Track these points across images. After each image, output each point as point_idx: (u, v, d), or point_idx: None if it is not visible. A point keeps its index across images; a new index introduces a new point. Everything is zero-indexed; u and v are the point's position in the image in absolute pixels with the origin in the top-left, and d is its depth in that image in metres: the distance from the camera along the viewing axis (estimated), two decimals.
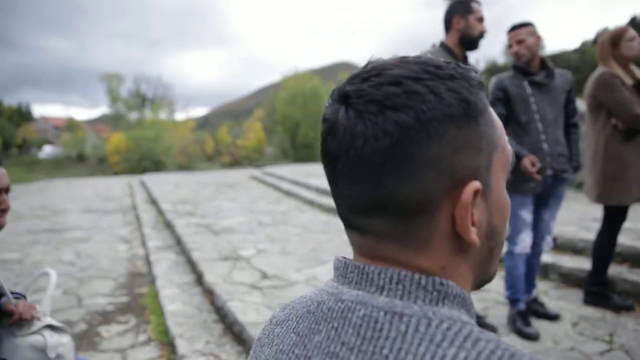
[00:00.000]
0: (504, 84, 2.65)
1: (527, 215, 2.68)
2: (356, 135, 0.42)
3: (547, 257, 3.62)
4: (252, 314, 2.96)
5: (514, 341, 2.61)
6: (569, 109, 2.78)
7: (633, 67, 2.85)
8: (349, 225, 0.48)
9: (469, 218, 0.43)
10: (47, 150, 55.84)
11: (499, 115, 2.54)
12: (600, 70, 2.85)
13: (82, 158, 47.12)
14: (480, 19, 2.44)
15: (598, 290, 3.03)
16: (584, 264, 3.44)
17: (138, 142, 33.47)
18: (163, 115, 44.97)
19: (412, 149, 0.40)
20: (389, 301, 0.42)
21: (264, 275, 3.83)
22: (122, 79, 45.09)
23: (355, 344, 0.41)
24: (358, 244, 0.48)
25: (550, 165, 2.63)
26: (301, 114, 35.24)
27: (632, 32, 2.81)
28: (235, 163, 40.27)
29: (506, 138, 0.49)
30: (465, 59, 2.53)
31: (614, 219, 2.93)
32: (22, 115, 73.58)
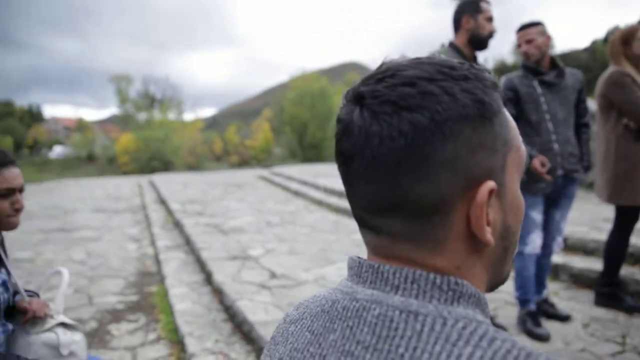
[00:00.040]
0: (514, 84, 2.64)
1: (537, 215, 2.66)
2: (371, 136, 0.42)
3: (557, 258, 3.59)
4: (261, 313, 2.98)
5: (524, 342, 2.59)
6: (580, 109, 2.76)
7: None
8: (364, 225, 0.48)
9: (484, 218, 0.43)
10: (58, 151, 56.45)
11: None
12: (611, 69, 2.82)
13: (91, 158, 47.60)
14: (490, 19, 2.43)
15: (610, 291, 3.00)
16: (595, 264, 3.41)
17: (147, 143, 33.72)
18: (171, 115, 45.27)
19: (427, 149, 0.41)
20: (404, 300, 0.42)
21: (273, 275, 3.84)
22: (131, 80, 45.49)
23: (371, 342, 0.42)
24: (373, 243, 0.48)
25: (561, 165, 2.61)
26: (309, 114, 35.27)
27: None
28: (244, 163, 40.41)
29: (520, 138, 0.49)
30: (474, 59, 2.51)
31: (625, 219, 2.90)
32: (33, 116, 74.48)
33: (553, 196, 2.72)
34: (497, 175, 0.44)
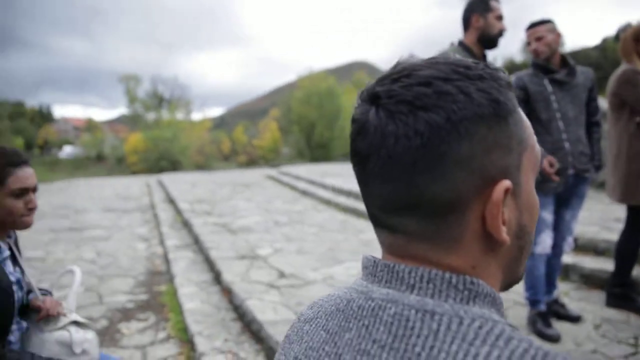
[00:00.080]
0: (524, 82, 2.62)
1: (548, 215, 2.64)
2: (387, 135, 0.42)
3: (567, 258, 3.56)
4: (270, 312, 2.98)
5: None
6: (591, 107, 2.73)
7: None
8: (379, 225, 0.48)
9: (499, 217, 0.43)
10: (67, 151, 56.97)
11: None
12: (623, 67, 2.79)
13: (101, 158, 47.99)
14: (500, 17, 2.41)
15: (621, 292, 2.97)
16: (606, 265, 3.37)
17: (156, 142, 33.92)
18: (180, 115, 45.51)
19: (443, 149, 0.41)
20: (420, 299, 0.43)
21: (281, 274, 3.85)
22: (139, 80, 45.79)
23: (387, 341, 0.42)
24: (388, 242, 0.48)
25: (572, 164, 2.59)
26: (317, 113, 35.28)
27: None
28: (252, 163, 40.52)
29: (535, 138, 0.49)
30: (484, 58, 2.50)
31: (637, 219, 2.87)
32: (44, 117, 75.29)
33: (564, 196, 2.70)
34: (513, 175, 0.45)
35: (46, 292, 1.58)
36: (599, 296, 3.17)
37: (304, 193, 8.85)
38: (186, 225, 6.31)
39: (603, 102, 4.30)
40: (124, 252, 5.34)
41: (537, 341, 0.41)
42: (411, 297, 0.43)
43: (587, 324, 2.79)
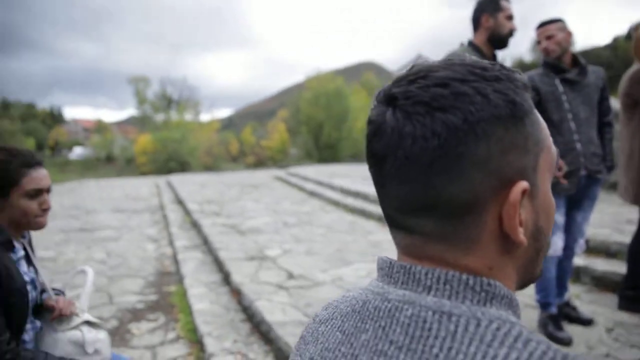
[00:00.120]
0: (534, 82, 2.60)
1: (559, 217, 2.62)
2: (404, 136, 0.42)
3: (579, 260, 3.53)
4: (279, 313, 2.99)
5: None
6: (603, 107, 2.70)
7: None
8: (396, 226, 0.48)
9: (517, 217, 0.43)
10: (77, 152, 57.48)
11: None
12: (635, 66, 2.76)
13: (110, 159, 48.39)
14: (510, 17, 2.39)
15: (634, 294, 2.93)
16: (618, 267, 3.34)
17: (164, 143, 34.13)
18: (188, 116, 45.79)
19: (460, 150, 0.41)
20: (437, 301, 0.43)
21: (290, 275, 3.86)
22: (148, 82, 46.18)
23: (404, 342, 0.42)
24: (404, 244, 0.48)
25: (584, 165, 2.56)
26: (325, 114, 35.27)
27: None
28: (260, 164, 40.61)
29: (551, 139, 0.49)
30: (494, 58, 2.49)
31: None
32: (54, 118, 76.11)
33: (575, 197, 2.67)
34: (529, 176, 0.45)
35: (59, 292, 1.60)
36: (611, 299, 3.14)
37: (312, 194, 8.85)
38: (195, 226, 6.34)
39: (615, 102, 4.26)
40: (133, 252, 5.38)
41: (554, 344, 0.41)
42: (428, 299, 0.43)
43: (599, 327, 2.76)
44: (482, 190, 0.42)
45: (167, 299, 3.86)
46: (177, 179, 13.02)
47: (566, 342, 2.55)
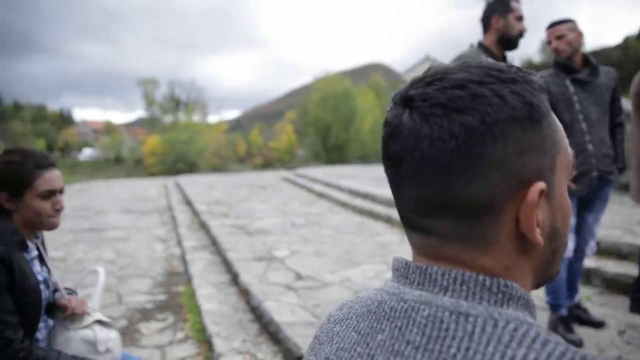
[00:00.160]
0: (545, 83, 2.58)
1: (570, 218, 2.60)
2: (422, 138, 0.43)
3: (589, 262, 3.49)
4: (287, 314, 2.99)
5: None
6: (614, 108, 2.68)
7: None
8: (412, 227, 0.49)
9: (534, 218, 0.43)
10: (87, 153, 57.98)
11: None
12: None
13: (119, 160, 48.76)
14: (520, 18, 2.38)
15: None
16: (630, 269, 3.30)
17: (173, 145, 34.31)
18: (196, 118, 46.05)
19: (477, 151, 0.41)
20: (453, 301, 0.43)
21: (299, 276, 3.86)
22: (157, 84, 46.53)
23: (421, 342, 0.42)
24: (420, 244, 0.49)
25: (596, 166, 2.54)
26: (332, 115, 35.25)
27: None
28: (267, 165, 40.68)
29: (567, 141, 0.49)
30: (504, 59, 2.47)
31: None
32: (64, 120, 76.87)
33: (587, 198, 2.65)
34: (547, 177, 0.45)
35: (71, 292, 1.62)
36: (622, 301, 3.10)
37: (320, 195, 8.86)
38: (203, 226, 6.37)
39: (626, 103, 4.22)
40: (142, 252, 5.42)
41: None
42: (445, 299, 0.43)
43: (611, 329, 2.73)
44: (499, 191, 0.43)
45: (176, 299, 3.88)
46: (185, 180, 13.09)
47: (577, 345, 2.52)
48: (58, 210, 1.42)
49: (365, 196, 7.64)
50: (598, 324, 2.76)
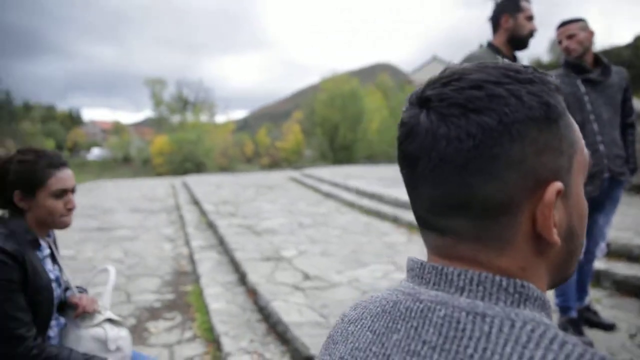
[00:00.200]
0: None
1: None
2: (439, 138, 0.43)
3: (599, 264, 3.46)
4: (295, 314, 3.00)
5: None
6: (626, 108, 2.65)
7: None
8: (427, 227, 0.49)
9: (551, 218, 0.43)
10: (95, 153, 58.38)
11: None
12: None
13: (127, 160, 49.05)
14: (530, 18, 2.36)
15: None
16: None
17: (180, 145, 34.47)
18: (204, 118, 46.22)
19: (495, 151, 0.41)
20: (470, 302, 0.43)
21: (306, 276, 3.86)
22: (165, 84, 46.73)
23: (438, 342, 0.42)
24: (435, 244, 0.49)
25: (607, 167, 2.52)
26: (340, 115, 35.21)
27: None
28: (275, 165, 40.73)
29: (583, 141, 0.49)
30: (513, 59, 2.46)
31: None
32: (73, 120, 77.51)
33: (598, 200, 2.62)
34: (563, 177, 0.45)
35: (82, 290, 1.63)
36: (633, 304, 3.07)
37: (328, 195, 8.86)
38: (211, 226, 6.39)
39: (637, 103, 4.17)
40: (150, 252, 5.45)
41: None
42: (461, 300, 0.43)
43: (622, 332, 2.71)
44: (516, 190, 0.43)
45: (184, 299, 3.90)
46: (192, 179, 13.15)
47: None
48: (70, 209, 1.44)
49: (373, 196, 7.63)
50: (608, 327, 2.73)
